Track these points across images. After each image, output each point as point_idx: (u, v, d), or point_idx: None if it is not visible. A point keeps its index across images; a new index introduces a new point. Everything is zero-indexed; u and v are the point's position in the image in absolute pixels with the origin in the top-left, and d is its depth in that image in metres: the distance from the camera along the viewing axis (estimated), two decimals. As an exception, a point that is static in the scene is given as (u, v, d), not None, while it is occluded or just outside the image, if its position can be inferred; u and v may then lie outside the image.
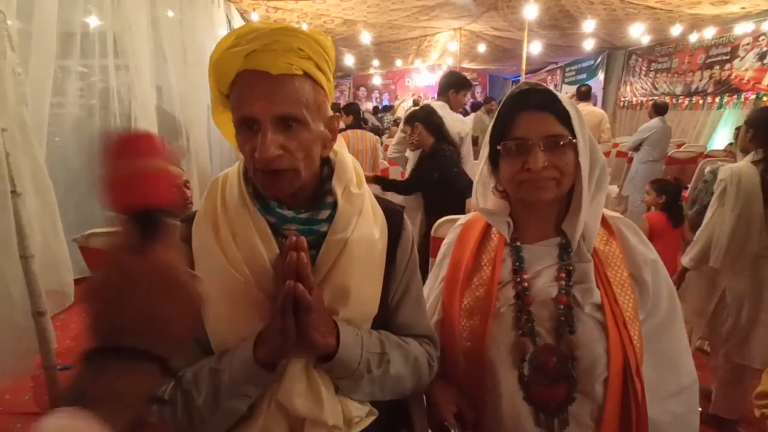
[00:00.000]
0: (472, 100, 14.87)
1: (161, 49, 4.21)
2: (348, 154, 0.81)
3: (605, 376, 0.78)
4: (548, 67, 13.67)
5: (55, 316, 2.25)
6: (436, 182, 2.60)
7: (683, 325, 0.87)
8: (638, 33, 7.16)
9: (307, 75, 0.68)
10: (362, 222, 0.75)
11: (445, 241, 1.02)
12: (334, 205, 0.75)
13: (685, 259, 2.01)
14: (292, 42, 0.67)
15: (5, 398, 2.44)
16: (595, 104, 5.69)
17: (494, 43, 10.08)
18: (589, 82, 11.18)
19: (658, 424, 0.80)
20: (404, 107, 13.34)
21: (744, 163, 1.89)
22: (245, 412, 0.72)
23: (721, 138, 7.04)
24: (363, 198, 0.77)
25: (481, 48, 10.27)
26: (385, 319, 0.82)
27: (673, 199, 2.80)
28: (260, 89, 0.66)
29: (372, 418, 0.76)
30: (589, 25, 6.84)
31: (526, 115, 0.83)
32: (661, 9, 6.11)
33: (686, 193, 4.50)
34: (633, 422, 0.78)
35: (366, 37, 7.98)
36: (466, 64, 13.07)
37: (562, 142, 0.80)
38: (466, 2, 6.65)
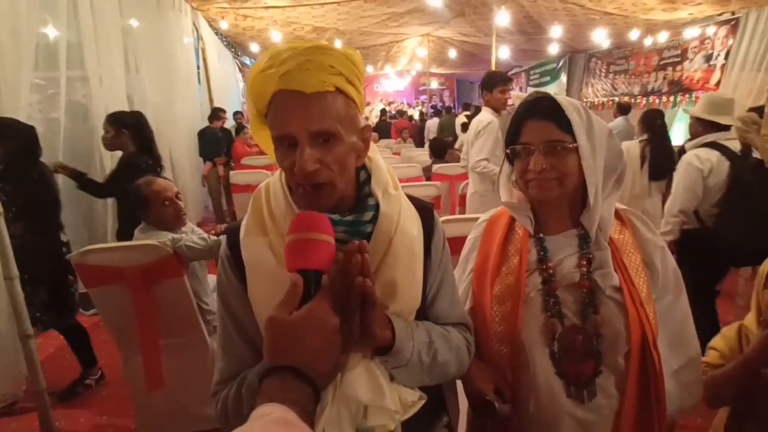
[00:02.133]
0: (439, 105, 15.08)
1: (131, 59, 4.14)
2: (381, 159, 0.86)
3: (626, 350, 0.87)
4: (513, 71, 14.11)
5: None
6: (125, 191, 2.29)
7: (688, 304, 0.98)
8: (598, 37, 7.54)
9: (339, 90, 0.72)
10: (402, 221, 0.79)
11: (469, 237, 1.09)
12: (376, 207, 0.78)
13: None
14: (324, 60, 0.70)
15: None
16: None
17: (462, 48, 10.34)
18: (552, 85, 11.64)
19: (670, 393, 0.90)
20: (375, 114, 13.44)
21: (633, 142, 3.30)
22: None
23: (677, 134, 7.48)
24: (400, 199, 0.82)
25: (451, 53, 10.51)
26: (424, 309, 0.86)
27: None
28: (295, 108, 0.70)
29: (423, 402, 0.80)
30: (552, 31, 7.14)
31: (531, 122, 0.93)
32: (618, 15, 6.47)
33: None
34: (652, 390, 0.87)
35: (337, 44, 8.02)
36: (434, 69, 13.32)
37: (560, 147, 0.90)
38: (434, 9, 6.80)
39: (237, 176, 4.59)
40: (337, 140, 0.72)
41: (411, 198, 0.87)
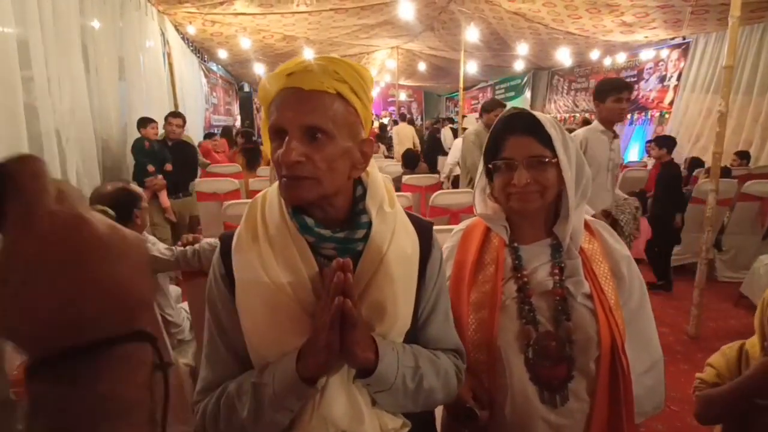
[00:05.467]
0: (402, 113, 15.28)
1: (89, 60, 3.97)
2: (379, 174, 0.84)
3: (597, 355, 0.90)
4: (479, 85, 14.50)
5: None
6: None
7: (651, 310, 1.02)
8: (561, 56, 7.87)
9: (339, 95, 0.72)
10: (396, 240, 0.77)
11: (445, 246, 1.09)
12: (369, 225, 0.77)
13: None
14: (328, 66, 0.71)
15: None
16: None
17: (430, 61, 10.55)
18: (517, 99, 12.03)
19: (636, 396, 0.94)
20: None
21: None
22: (286, 425, 0.73)
23: (634, 151, 7.88)
24: (396, 216, 0.80)
25: (420, 66, 10.69)
26: (415, 332, 0.83)
27: None
28: (291, 102, 0.70)
29: (406, 430, 0.79)
30: (518, 48, 7.40)
31: (512, 138, 0.96)
32: (580, 35, 6.79)
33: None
34: (621, 394, 0.91)
35: (307, 54, 8.02)
36: (403, 81, 13.50)
37: (543, 162, 0.93)
38: (404, 23, 6.92)
39: (202, 184, 4.47)
40: (329, 139, 0.71)
41: (410, 216, 0.86)
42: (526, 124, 0.95)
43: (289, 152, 0.68)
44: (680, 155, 6.12)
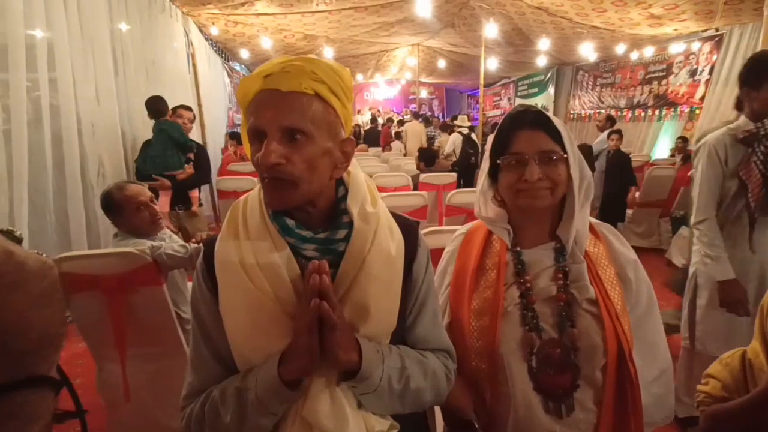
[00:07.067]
0: (428, 113, 15.15)
1: (121, 62, 4.10)
2: (362, 174, 0.83)
3: (603, 363, 0.87)
4: (501, 82, 14.28)
5: None
6: None
7: (659, 316, 0.98)
8: (585, 51, 7.66)
9: (318, 95, 0.72)
10: (378, 239, 0.76)
11: (446, 250, 1.08)
12: (351, 225, 0.76)
13: None
14: (306, 66, 0.71)
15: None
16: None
17: (451, 58, 10.45)
18: (540, 96, 11.80)
19: (645, 406, 0.89)
20: (364, 121, 13.48)
21: None
22: (270, 429, 0.74)
23: (663, 147, 7.61)
24: (378, 216, 0.78)
25: (440, 63, 10.60)
26: (403, 333, 0.83)
27: None
28: (269, 104, 0.70)
29: (395, 431, 0.78)
30: (540, 43, 7.25)
31: (522, 132, 0.93)
32: (605, 29, 6.59)
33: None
34: (629, 403, 0.87)
35: (327, 52, 8.06)
36: (424, 78, 13.43)
37: (554, 157, 0.90)
38: (424, 19, 6.87)
39: (223, 182, 4.57)
40: (308, 140, 0.71)
41: (395, 215, 0.85)
42: (536, 120, 0.92)
43: (269, 154, 0.68)
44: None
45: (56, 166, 3.11)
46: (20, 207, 2.68)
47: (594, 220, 1.01)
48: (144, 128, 4.48)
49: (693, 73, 7.26)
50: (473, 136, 6.80)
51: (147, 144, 3.35)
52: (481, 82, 6.96)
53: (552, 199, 0.92)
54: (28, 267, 0.32)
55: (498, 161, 0.95)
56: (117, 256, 1.81)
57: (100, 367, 1.95)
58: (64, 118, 3.16)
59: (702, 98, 6.95)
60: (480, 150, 6.75)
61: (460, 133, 6.60)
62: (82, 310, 1.84)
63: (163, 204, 3.19)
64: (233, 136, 6.48)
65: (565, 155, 0.90)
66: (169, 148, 3.26)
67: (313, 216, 0.77)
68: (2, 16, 2.61)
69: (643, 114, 8.33)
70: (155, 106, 3.28)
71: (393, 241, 0.79)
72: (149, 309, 1.86)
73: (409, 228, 0.84)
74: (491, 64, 9.01)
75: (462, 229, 1.09)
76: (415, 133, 8.20)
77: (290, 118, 0.69)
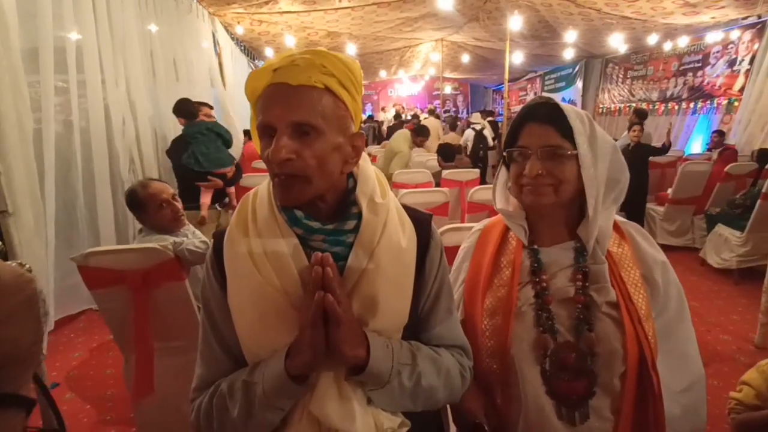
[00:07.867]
0: (453, 110, 14.96)
1: (150, 63, 4.22)
2: (371, 166, 0.82)
3: (623, 371, 0.83)
4: (528, 76, 13.98)
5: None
6: None
7: (691, 322, 0.92)
8: (615, 42, 7.40)
9: (328, 89, 0.70)
10: (388, 231, 0.75)
11: (462, 247, 1.05)
12: (360, 216, 0.75)
13: None
14: (315, 59, 0.70)
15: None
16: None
17: (475, 53, 10.28)
18: (568, 90, 11.49)
19: (670, 416, 0.85)
20: (389, 117, 13.44)
21: None
22: (278, 424, 0.73)
23: (698, 142, 7.29)
24: (388, 207, 0.77)
25: (464, 58, 10.46)
26: (416, 329, 0.81)
27: None
28: (279, 98, 0.69)
29: (405, 429, 0.76)
30: (567, 35, 7.04)
31: (530, 126, 0.90)
32: (637, 19, 6.34)
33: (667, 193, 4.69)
34: (650, 414, 0.82)
35: (351, 49, 8.06)
36: (448, 74, 13.27)
37: (559, 153, 0.86)
38: (448, 14, 6.78)
39: (247, 179, 4.64)
40: (318, 135, 0.69)
41: (407, 208, 0.83)
42: (548, 114, 0.88)
43: (279, 150, 0.67)
44: (751, 145, 5.60)
45: (84, 161, 3.30)
46: (50, 201, 2.82)
47: (620, 219, 0.96)
48: (173, 127, 4.62)
49: (731, 63, 6.91)
50: (485, 132, 7.02)
51: (184, 142, 3.22)
52: (506, 76, 6.83)
53: (556, 197, 0.88)
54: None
55: (504, 153, 0.93)
56: (140, 251, 1.85)
57: (126, 358, 2.01)
58: (93, 117, 3.30)
59: (741, 89, 6.61)
60: (491, 146, 7.11)
61: (473, 129, 6.86)
62: (109, 304, 1.90)
63: (206, 201, 3.19)
64: (245, 133, 6.37)
65: (574, 152, 0.86)
66: (221, 146, 3.31)
67: (323, 209, 0.76)
68: (33, 19, 2.72)
69: (676, 107, 8.00)
70: (186, 107, 3.33)
71: (404, 234, 0.77)
72: (172, 303, 1.90)
73: (421, 221, 0.82)
74: (516, 58, 8.82)
75: (479, 225, 1.06)
76: (433, 128, 8.19)
77: (300, 113, 0.68)
